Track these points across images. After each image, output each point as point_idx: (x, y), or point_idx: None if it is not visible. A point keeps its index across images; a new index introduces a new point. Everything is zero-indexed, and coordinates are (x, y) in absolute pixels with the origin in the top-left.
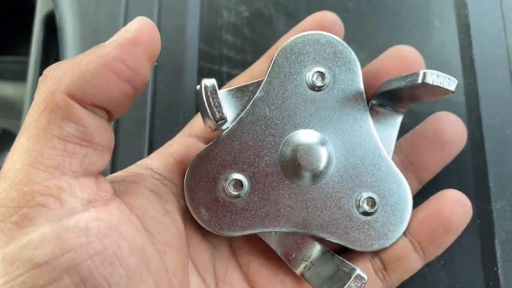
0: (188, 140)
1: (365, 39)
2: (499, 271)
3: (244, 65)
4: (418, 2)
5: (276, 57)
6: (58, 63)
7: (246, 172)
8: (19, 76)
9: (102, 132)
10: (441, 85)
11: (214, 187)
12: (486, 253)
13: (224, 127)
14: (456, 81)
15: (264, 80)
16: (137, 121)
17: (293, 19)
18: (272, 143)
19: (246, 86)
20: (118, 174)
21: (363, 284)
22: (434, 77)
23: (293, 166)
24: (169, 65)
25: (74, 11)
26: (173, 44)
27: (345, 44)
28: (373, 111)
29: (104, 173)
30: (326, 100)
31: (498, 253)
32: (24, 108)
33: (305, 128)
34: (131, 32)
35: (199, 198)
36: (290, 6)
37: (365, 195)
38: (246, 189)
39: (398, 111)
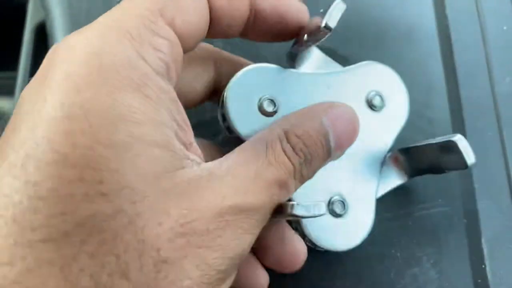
0: None
1: (351, 48)
2: (487, 269)
3: None
4: (401, 14)
5: (363, 64)
6: None
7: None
8: (7, 91)
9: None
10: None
11: (252, 99)
12: (474, 251)
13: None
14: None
15: (344, 70)
16: None
17: None
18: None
19: (332, 62)
20: None
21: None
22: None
23: None
24: None
25: (65, 19)
26: None
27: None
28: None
29: None
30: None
31: (485, 251)
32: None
33: None
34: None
35: (237, 105)
36: None
37: (337, 197)
38: (276, 111)
39: (405, 176)
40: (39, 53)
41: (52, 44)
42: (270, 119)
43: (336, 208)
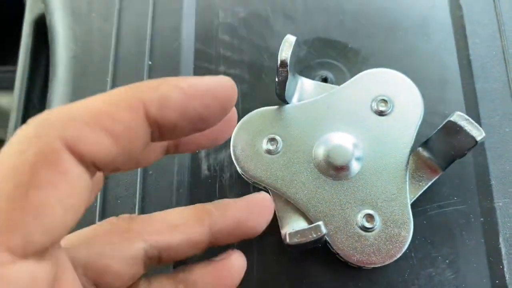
0: None
1: (362, 40)
2: (505, 269)
3: (242, 64)
4: (413, 4)
5: (358, 77)
6: None
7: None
8: (7, 86)
9: None
10: (467, 129)
11: (256, 142)
12: (491, 251)
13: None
14: (484, 135)
15: (340, 87)
16: None
17: (290, 20)
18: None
19: (325, 85)
20: None
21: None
22: (463, 120)
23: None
24: (164, 65)
25: (66, 11)
26: (168, 43)
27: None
28: (417, 156)
29: None
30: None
31: (503, 250)
32: (11, 117)
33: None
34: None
35: (242, 149)
36: (287, 7)
37: (366, 211)
38: (279, 148)
39: (437, 169)
40: (39, 46)
41: (52, 35)
42: (275, 157)
43: (365, 223)
